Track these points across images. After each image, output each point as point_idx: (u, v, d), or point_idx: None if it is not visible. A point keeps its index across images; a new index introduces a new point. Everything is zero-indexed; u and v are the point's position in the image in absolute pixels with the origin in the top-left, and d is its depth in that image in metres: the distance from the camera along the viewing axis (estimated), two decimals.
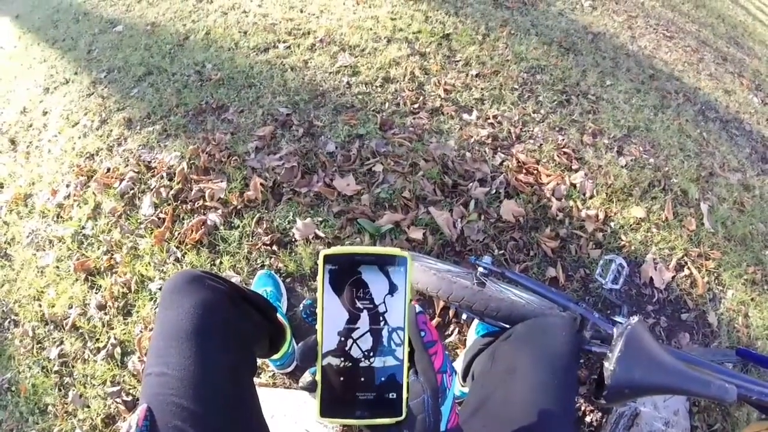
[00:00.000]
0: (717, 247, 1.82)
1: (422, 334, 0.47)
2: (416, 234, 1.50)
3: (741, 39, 3.92)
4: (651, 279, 1.61)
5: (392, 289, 0.46)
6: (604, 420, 1.28)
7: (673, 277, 1.66)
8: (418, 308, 0.49)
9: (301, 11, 2.48)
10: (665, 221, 1.81)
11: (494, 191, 1.65)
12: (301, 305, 1.40)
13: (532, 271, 1.51)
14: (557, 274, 1.52)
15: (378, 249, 0.45)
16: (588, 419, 1.30)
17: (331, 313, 0.45)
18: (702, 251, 1.77)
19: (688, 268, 1.70)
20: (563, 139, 1.93)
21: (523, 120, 1.98)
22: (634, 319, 0.79)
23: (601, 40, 2.73)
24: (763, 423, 0.74)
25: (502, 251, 1.53)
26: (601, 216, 1.71)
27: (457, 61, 2.19)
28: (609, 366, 0.72)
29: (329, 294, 0.45)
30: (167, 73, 2.15)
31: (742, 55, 3.65)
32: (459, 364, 1.18)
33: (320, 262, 0.45)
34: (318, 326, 0.46)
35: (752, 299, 1.71)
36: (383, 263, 0.45)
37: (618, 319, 0.89)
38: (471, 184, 1.64)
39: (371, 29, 2.32)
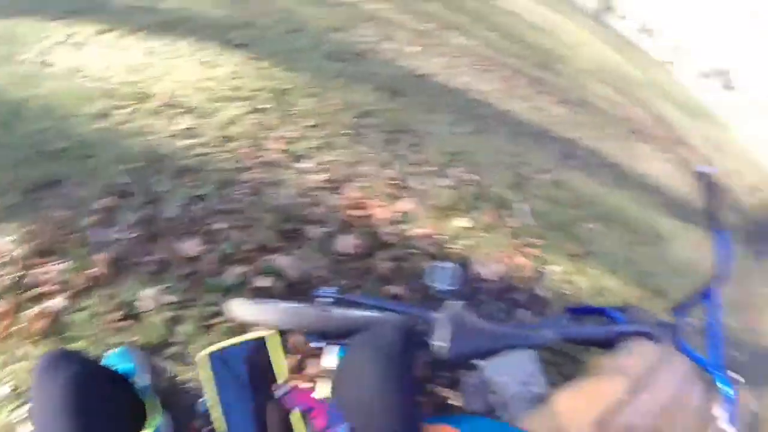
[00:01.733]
0: (539, 236, 2.15)
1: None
2: (263, 282, 1.59)
3: (549, 62, 4.69)
4: (483, 274, 1.86)
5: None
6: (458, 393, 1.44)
7: (504, 269, 1.93)
8: (287, 387, 0.57)
9: (143, 74, 2.46)
10: (490, 224, 2.13)
11: (331, 229, 1.83)
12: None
13: (375, 292, 1.69)
14: (398, 290, 1.70)
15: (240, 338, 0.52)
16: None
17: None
18: (527, 242, 2.09)
19: (516, 258, 2.00)
20: (392, 173, 2.19)
21: (355, 161, 2.21)
22: (453, 302, 1.02)
23: (426, 81, 3.14)
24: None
25: (345, 280, 1.70)
26: (431, 232, 1.96)
27: (294, 114, 2.38)
28: (439, 340, 0.94)
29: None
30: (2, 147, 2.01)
31: (550, 76, 4.36)
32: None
33: (201, 363, 0.50)
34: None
35: (576, 269, 2.06)
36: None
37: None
38: (309, 226, 1.80)
39: (212, 89, 2.41)
